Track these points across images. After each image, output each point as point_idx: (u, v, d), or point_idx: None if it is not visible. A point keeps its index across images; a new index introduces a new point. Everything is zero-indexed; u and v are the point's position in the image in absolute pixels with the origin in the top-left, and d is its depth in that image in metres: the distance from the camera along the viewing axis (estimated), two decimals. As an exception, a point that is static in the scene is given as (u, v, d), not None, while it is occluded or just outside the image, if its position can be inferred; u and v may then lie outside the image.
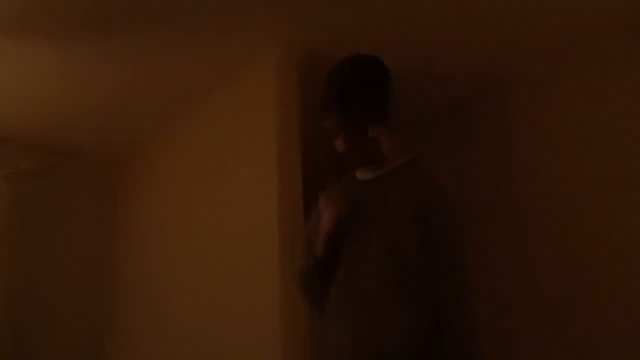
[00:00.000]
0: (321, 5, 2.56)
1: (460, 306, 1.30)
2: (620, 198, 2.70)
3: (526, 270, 3.02)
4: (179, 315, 3.24)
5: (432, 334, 1.29)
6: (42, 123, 3.71)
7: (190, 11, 2.56)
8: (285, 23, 2.69)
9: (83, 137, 3.96)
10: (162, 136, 3.88)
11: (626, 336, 2.55)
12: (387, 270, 1.33)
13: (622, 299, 2.61)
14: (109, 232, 4.18)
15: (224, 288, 2.90)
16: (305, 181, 4.67)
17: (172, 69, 3.09)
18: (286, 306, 2.49)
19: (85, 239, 4.09)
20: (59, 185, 4.07)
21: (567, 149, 2.96)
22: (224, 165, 3.15)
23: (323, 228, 1.41)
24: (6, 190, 3.76)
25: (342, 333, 1.36)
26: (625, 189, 2.69)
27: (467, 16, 2.70)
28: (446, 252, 1.33)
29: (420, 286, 1.32)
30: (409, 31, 2.81)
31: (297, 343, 2.45)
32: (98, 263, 4.08)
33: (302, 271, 1.55)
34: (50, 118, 3.63)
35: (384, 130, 1.45)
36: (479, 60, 3.14)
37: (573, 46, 2.97)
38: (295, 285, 1.61)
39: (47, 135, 3.89)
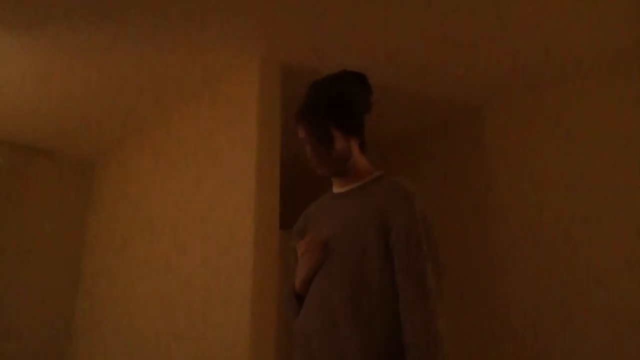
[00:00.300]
0: (304, 19, 2.57)
1: (421, 322, 1.23)
2: (589, 225, 2.77)
3: (494, 290, 3.07)
4: (143, 319, 3.20)
5: (390, 353, 1.25)
6: (17, 120, 3.64)
7: (174, 17, 2.56)
8: (267, 33, 2.69)
9: (58, 137, 3.91)
10: (138, 139, 3.84)
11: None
12: (347, 289, 1.30)
13: (589, 323, 2.67)
14: (78, 231, 4.15)
15: (193, 296, 2.87)
16: (284, 190, 4.68)
17: (153, 72, 3.07)
18: (257, 319, 2.48)
19: (54, 236, 4.04)
20: (32, 182, 4.02)
21: (539, 174, 3.05)
22: (201, 171, 3.13)
23: (302, 272, 1.40)
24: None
25: (299, 354, 1.34)
26: (594, 215, 2.77)
27: (452, 41, 2.74)
28: (407, 265, 1.28)
29: (382, 303, 1.28)
30: (391, 50, 2.84)
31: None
32: (65, 261, 4.04)
33: (284, 298, 1.52)
34: (25, 116, 3.57)
35: (354, 143, 1.44)
36: (460, 85, 3.21)
37: (549, 79, 3.06)
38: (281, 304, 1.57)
39: (21, 132, 3.83)
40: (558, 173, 2.96)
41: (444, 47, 2.80)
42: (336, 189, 1.48)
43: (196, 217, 3.05)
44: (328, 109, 1.41)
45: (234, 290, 2.61)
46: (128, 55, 2.89)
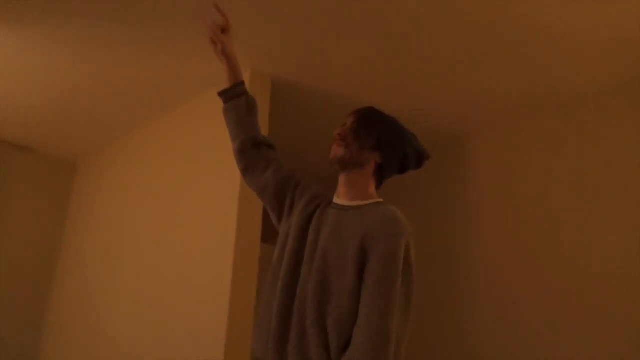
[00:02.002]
0: (295, 34, 2.60)
1: (372, 328, 1.22)
2: (571, 254, 2.83)
3: (472, 319, 3.12)
4: (114, 324, 3.17)
5: None
6: (-1, 116, 3.60)
7: (166, 26, 2.56)
8: (259, 47, 2.71)
9: (41, 134, 3.86)
10: (121, 144, 3.82)
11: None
12: (316, 301, 1.30)
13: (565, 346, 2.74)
14: (55, 231, 4.09)
15: (168, 305, 2.85)
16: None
17: (140, 78, 3.06)
18: (233, 313, 2.48)
19: (30, 235, 3.98)
20: (10, 179, 3.96)
21: (521, 203, 3.11)
22: (184, 181, 3.13)
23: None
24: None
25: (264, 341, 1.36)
26: (576, 244, 2.84)
27: (439, 68, 2.79)
28: (370, 297, 1.26)
29: (345, 319, 1.27)
30: (377, 73, 2.89)
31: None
32: (39, 262, 3.98)
33: None
34: (7, 110, 3.52)
35: (373, 161, 1.50)
36: (444, 112, 3.27)
37: (534, 110, 3.15)
38: None
39: (2, 127, 3.78)
40: (541, 203, 3.02)
41: (431, 73, 2.86)
42: (339, 199, 1.51)
43: (177, 228, 3.04)
44: (380, 129, 1.50)
45: (210, 301, 2.60)
46: (115, 59, 2.88)
